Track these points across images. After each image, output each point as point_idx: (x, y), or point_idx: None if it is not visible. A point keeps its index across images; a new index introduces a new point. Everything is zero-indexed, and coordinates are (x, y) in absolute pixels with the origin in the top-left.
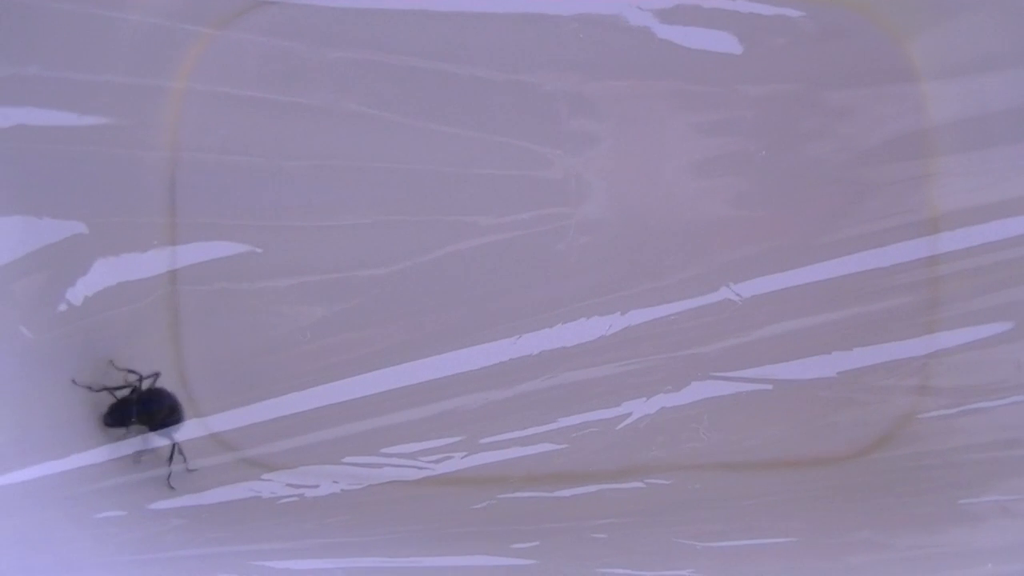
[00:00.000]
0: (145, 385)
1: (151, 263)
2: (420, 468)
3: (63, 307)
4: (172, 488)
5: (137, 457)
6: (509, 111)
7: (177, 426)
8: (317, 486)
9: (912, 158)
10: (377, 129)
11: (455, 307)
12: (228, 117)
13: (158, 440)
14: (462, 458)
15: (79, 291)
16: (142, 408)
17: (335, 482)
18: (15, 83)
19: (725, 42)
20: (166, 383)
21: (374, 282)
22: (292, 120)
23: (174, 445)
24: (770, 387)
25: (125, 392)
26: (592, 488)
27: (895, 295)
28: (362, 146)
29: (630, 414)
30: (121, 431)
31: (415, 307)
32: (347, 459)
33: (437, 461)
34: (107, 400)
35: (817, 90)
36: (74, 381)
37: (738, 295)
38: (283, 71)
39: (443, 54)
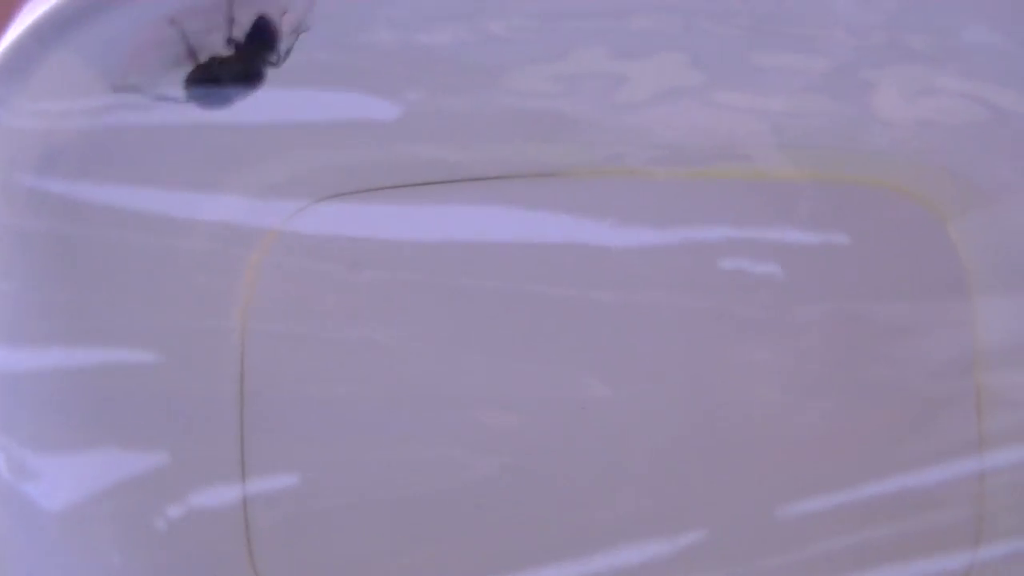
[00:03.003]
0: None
1: (226, 490)
2: None
3: (149, 534)
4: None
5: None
6: (560, 333)
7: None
8: None
9: (960, 378)
10: (440, 358)
11: (519, 531)
12: (292, 347)
13: None
14: None
15: (163, 519)
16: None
17: None
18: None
19: (773, 268)
20: None
21: (444, 505)
22: (352, 350)
23: None
24: None
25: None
26: None
27: (941, 510)
28: (420, 375)
29: None
30: None
31: (474, 531)
32: None
33: None
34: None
35: (869, 308)
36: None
37: (788, 514)
38: (336, 300)
39: (495, 276)
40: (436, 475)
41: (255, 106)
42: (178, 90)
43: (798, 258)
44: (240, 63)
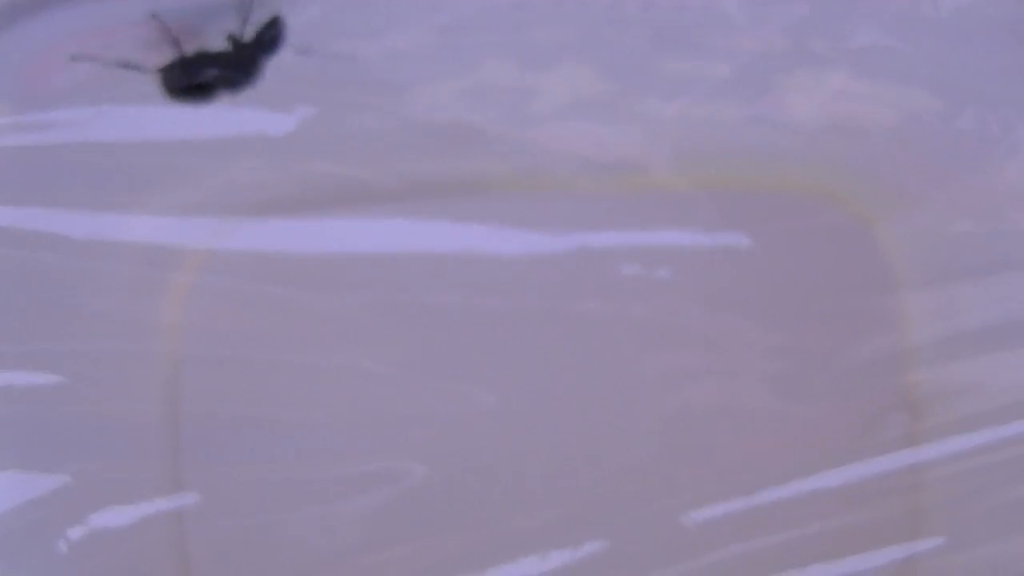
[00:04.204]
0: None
1: (157, 508)
2: None
3: (52, 556)
4: None
5: None
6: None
7: None
8: None
9: (892, 375)
10: (368, 375)
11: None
12: (227, 366)
13: None
14: None
15: (71, 540)
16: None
17: None
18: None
19: (684, 275)
20: None
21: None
22: (284, 368)
23: None
24: None
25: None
26: None
27: (876, 506)
28: (345, 391)
29: None
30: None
31: (394, 543)
32: None
33: None
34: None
35: (792, 310)
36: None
37: (694, 519)
38: (267, 319)
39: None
40: (360, 490)
41: (160, 123)
42: None
43: (712, 264)
44: (238, 60)
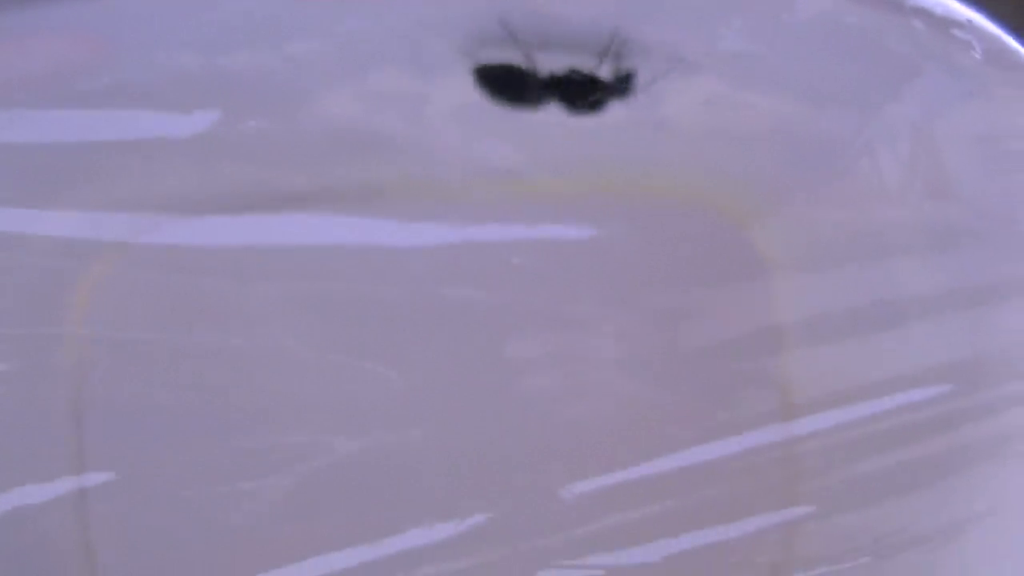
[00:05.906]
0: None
1: (60, 487)
2: None
3: None
4: None
5: None
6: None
7: None
8: None
9: (764, 355)
10: (274, 362)
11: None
12: (137, 354)
13: None
14: None
15: None
16: None
17: None
18: None
19: (563, 266)
20: None
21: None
22: (193, 355)
23: None
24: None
25: None
26: None
27: (750, 478)
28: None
29: None
30: None
31: (291, 519)
32: None
33: None
34: None
35: (665, 299)
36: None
37: (571, 493)
38: (180, 309)
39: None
40: (266, 469)
41: (71, 126)
42: None
43: (586, 257)
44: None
